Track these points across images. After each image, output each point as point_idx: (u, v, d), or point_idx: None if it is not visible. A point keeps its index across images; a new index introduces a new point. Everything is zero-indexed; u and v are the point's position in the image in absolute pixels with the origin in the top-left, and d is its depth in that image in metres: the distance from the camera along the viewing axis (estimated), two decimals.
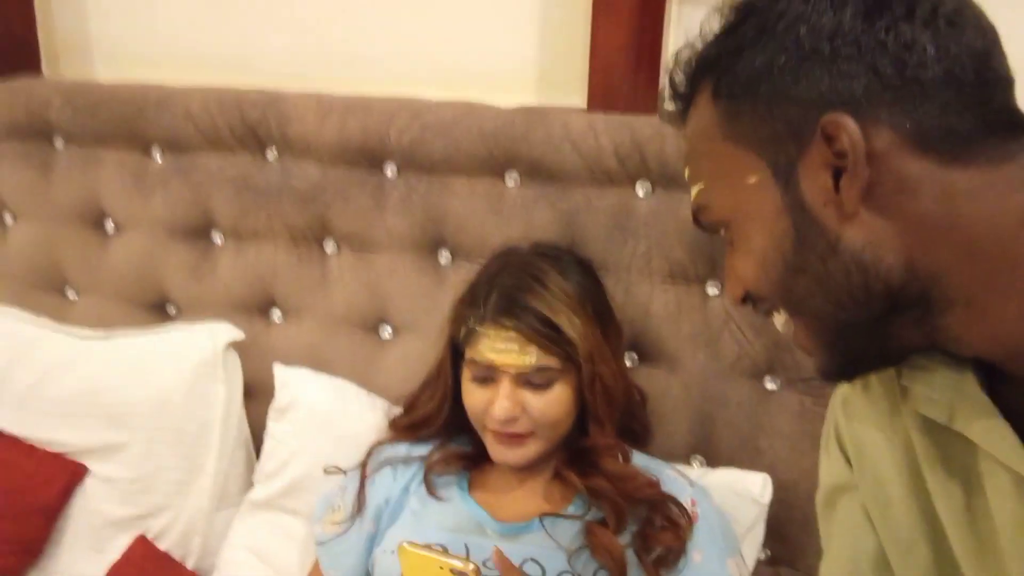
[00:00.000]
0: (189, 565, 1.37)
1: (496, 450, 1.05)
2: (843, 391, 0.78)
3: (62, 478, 1.40)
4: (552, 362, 1.02)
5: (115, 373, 1.43)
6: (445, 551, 0.97)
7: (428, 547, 0.87)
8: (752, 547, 1.23)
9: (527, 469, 1.09)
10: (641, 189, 1.26)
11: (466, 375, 1.07)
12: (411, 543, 0.86)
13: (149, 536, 1.38)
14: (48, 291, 1.63)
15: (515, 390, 1.02)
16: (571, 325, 1.03)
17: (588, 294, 1.09)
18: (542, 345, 1.01)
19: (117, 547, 1.37)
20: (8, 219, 1.64)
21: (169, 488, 1.39)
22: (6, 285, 1.65)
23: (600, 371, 1.05)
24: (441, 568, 0.84)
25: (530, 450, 1.04)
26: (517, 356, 1.01)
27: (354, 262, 1.43)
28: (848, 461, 0.77)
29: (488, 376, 1.03)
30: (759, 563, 1.30)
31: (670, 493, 1.04)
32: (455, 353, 1.10)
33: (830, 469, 0.80)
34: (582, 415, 1.08)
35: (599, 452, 1.05)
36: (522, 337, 1.01)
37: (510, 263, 1.10)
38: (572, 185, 1.28)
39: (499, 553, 0.89)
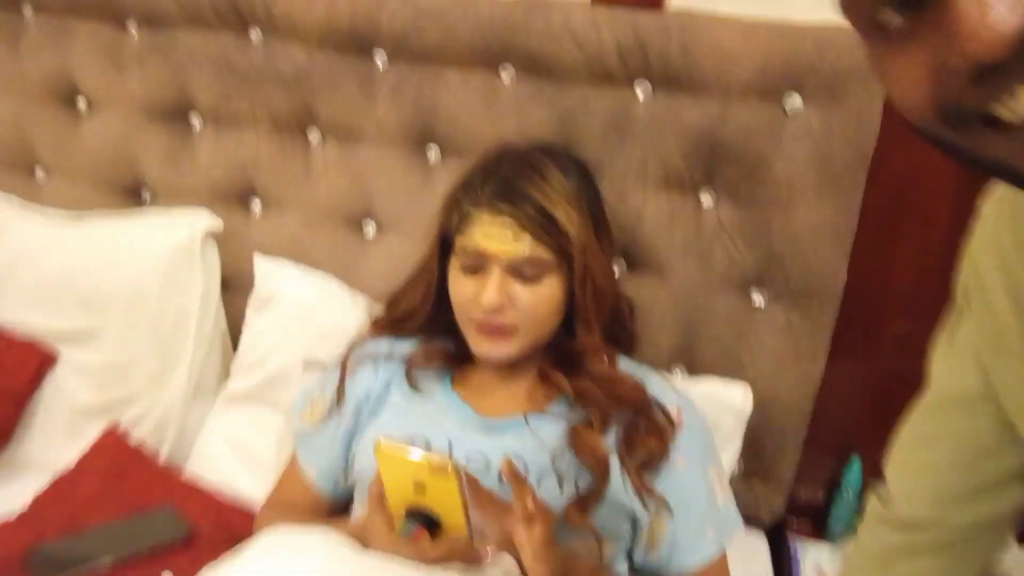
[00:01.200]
0: (163, 455, 1.36)
1: (479, 343, 1.02)
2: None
3: (33, 363, 1.37)
4: (545, 254, 0.99)
5: (89, 257, 1.39)
6: (426, 446, 0.96)
7: (405, 444, 0.84)
8: (729, 458, 1.24)
9: (510, 368, 1.07)
10: (641, 91, 1.21)
11: (454, 265, 1.03)
12: (387, 438, 0.84)
13: (122, 425, 1.36)
14: (17, 170, 1.56)
15: (505, 279, 0.98)
16: (568, 218, 0.99)
17: (585, 194, 1.05)
18: (536, 235, 0.98)
19: (90, 435, 1.35)
20: None
21: (144, 377, 1.37)
22: None
23: (592, 269, 1.02)
24: (418, 465, 0.82)
25: (513, 346, 1.02)
26: (510, 244, 0.97)
27: (339, 154, 1.38)
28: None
29: (478, 264, 0.99)
30: (733, 476, 1.31)
31: (656, 399, 1.04)
32: (444, 248, 1.07)
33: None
34: (569, 318, 1.05)
35: (586, 354, 1.04)
36: (517, 224, 0.97)
37: (509, 155, 1.06)
38: (570, 82, 1.23)
39: (510, 464, 0.87)
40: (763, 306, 1.24)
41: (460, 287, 1.02)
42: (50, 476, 1.27)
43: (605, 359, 1.05)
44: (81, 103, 1.50)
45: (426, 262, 1.09)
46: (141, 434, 1.36)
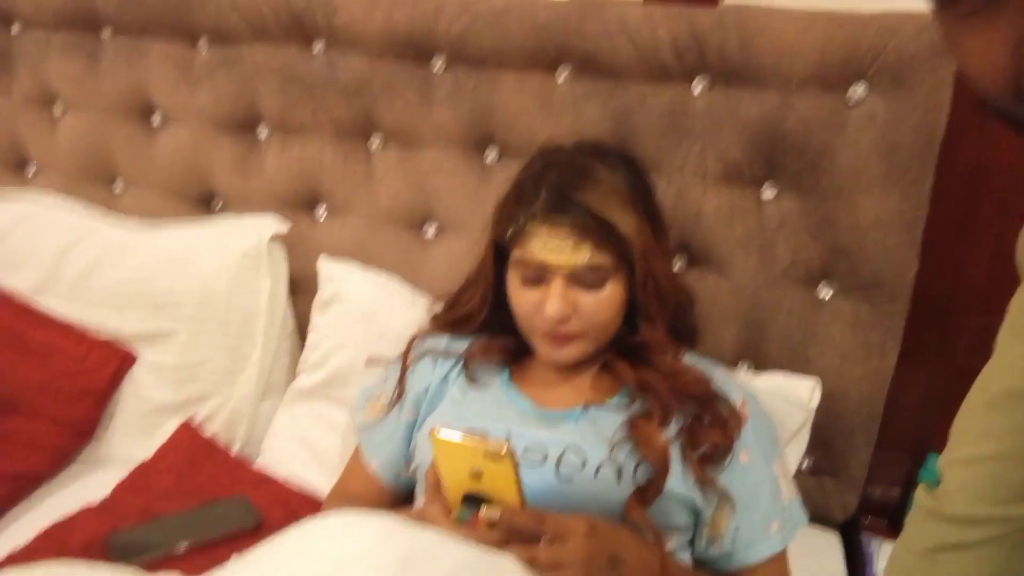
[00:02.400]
0: (234, 451, 1.40)
1: (545, 350, 1.03)
2: None
3: (112, 363, 1.42)
4: (605, 260, 0.98)
5: (162, 263, 1.44)
6: (482, 435, 0.96)
7: (461, 431, 0.84)
8: (795, 454, 1.22)
9: (573, 364, 1.07)
10: (698, 85, 1.20)
11: (513, 277, 1.03)
12: (441, 428, 0.84)
13: (196, 422, 1.41)
14: (97, 183, 1.64)
15: (567, 289, 0.98)
16: (624, 222, 0.99)
17: (637, 191, 1.04)
18: (595, 242, 0.97)
19: (165, 432, 1.40)
20: (58, 110, 1.63)
21: (215, 376, 1.41)
22: (57, 176, 1.67)
23: (653, 269, 1.01)
24: (473, 451, 0.82)
25: (579, 350, 1.02)
26: (570, 254, 0.97)
27: (400, 158, 1.41)
28: None
29: (538, 276, 1.00)
30: (800, 472, 1.28)
31: (720, 392, 1.02)
32: (498, 253, 1.07)
33: None
34: (631, 314, 1.05)
35: (651, 348, 1.03)
36: (575, 234, 0.97)
37: (555, 160, 1.05)
38: (626, 81, 1.24)
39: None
40: (829, 299, 1.21)
41: (522, 298, 1.02)
42: (129, 470, 1.33)
43: (670, 354, 1.04)
44: (155, 118, 1.57)
45: (482, 268, 1.10)
46: (214, 430, 1.40)
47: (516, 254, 1.01)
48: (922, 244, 1.15)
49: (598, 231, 0.97)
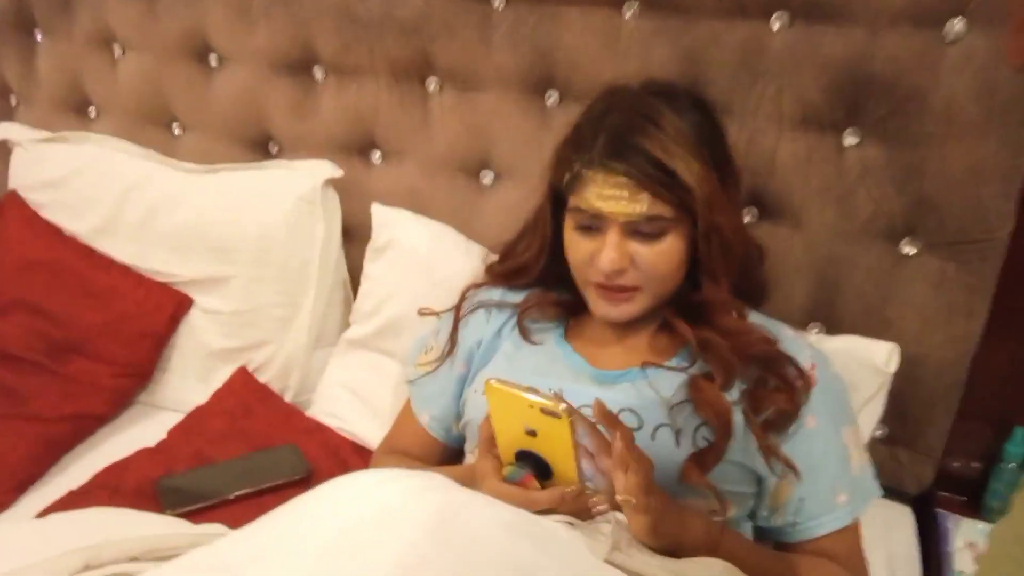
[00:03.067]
0: (287, 399, 1.40)
1: (599, 305, 0.97)
2: None
3: (169, 306, 1.43)
4: (665, 210, 0.91)
5: (219, 208, 1.44)
6: (535, 390, 0.92)
7: (517, 384, 0.81)
8: (869, 421, 1.15)
9: (630, 322, 1.02)
10: (777, 21, 1.11)
11: (569, 224, 0.98)
12: (499, 380, 0.81)
13: (250, 368, 1.41)
14: (155, 125, 1.63)
15: (623, 240, 0.92)
16: (687, 170, 0.91)
17: (706, 136, 0.96)
18: (654, 191, 0.90)
19: (220, 377, 1.41)
20: (117, 51, 1.63)
21: (270, 323, 1.41)
22: (117, 117, 1.67)
23: (718, 222, 0.93)
24: (531, 407, 0.78)
25: (635, 306, 0.96)
26: (627, 203, 0.90)
27: (457, 102, 1.36)
28: None
29: (593, 225, 0.94)
30: (874, 440, 1.21)
31: (788, 354, 0.95)
32: (556, 201, 1.01)
33: None
34: (693, 270, 0.98)
35: (713, 307, 0.96)
36: (633, 183, 0.90)
37: (619, 102, 0.97)
38: (697, 16, 1.15)
39: (599, 404, 0.82)
40: (913, 256, 1.13)
41: (577, 248, 0.96)
42: (184, 414, 1.34)
43: (733, 313, 0.97)
44: (212, 59, 1.54)
45: (538, 216, 1.05)
46: (267, 378, 1.40)
47: (572, 201, 0.95)
48: (1020, 197, 1.05)
49: (658, 179, 0.90)
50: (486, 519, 0.68)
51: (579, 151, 0.94)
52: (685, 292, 0.99)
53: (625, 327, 1.02)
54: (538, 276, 1.07)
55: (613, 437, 0.79)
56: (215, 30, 1.51)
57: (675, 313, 0.99)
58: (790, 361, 0.95)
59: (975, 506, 1.29)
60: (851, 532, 0.97)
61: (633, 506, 0.78)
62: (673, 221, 0.92)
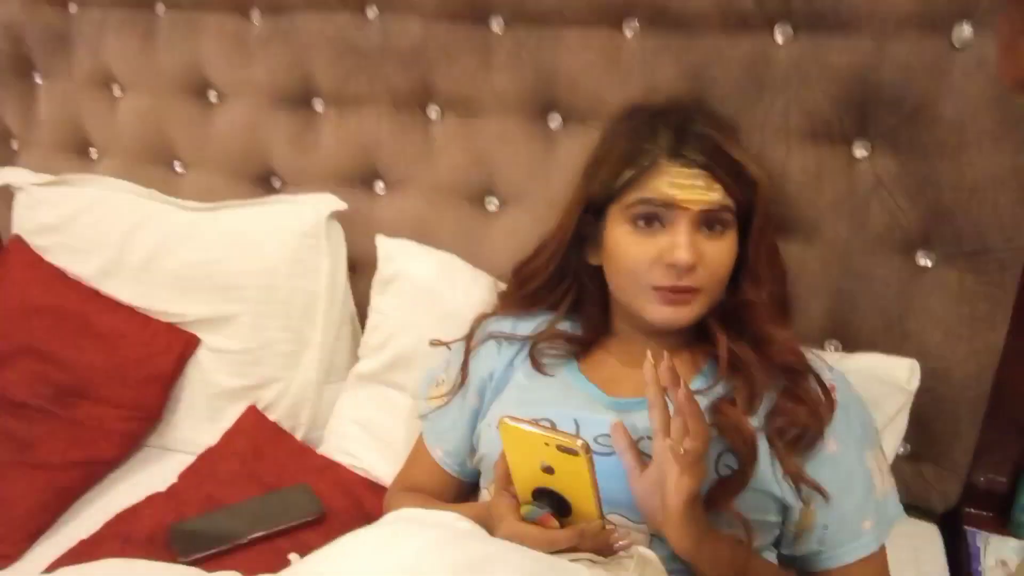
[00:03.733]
0: (298, 436, 1.38)
1: (658, 311, 0.91)
2: None
3: (176, 348, 1.41)
4: (731, 204, 0.90)
5: (224, 245, 1.42)
6: (552, 427, 0.90)
7: (532, 422, 0.79)
8: (892, 439, 1.12)
9: (654, 343, 0.98)
10: (781, 34, 1.10)
11: (619, 227, 0.93)
12: (512, 417, 0.79)
13: (260, 407, 1.39)
14: (157, 164, 1.62)
15: (693, 235, 0.89)
16: (752, 164, 0.91)
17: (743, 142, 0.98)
18: (726, 184, 0.89)
19: (230, 416, 1.39)
20: (117, 91, 1.62)
21: (278, 360, 1.39)
22: (119, 158, 1.66)
23: (771, 222, 0.94)
24: (547, 444, 0.76)
25: (694, 309, 0.92)
26: (703, 192, 0.88)
27: (459, 128, 1.34)
28: None
29: (659, 217, 0.90)
30: (898, 458, 1.19)
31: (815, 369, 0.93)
32: (584, 211, 0.97)
33: None
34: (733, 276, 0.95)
35: (753, 309, 0.93)
36: (707, 173, 0.88)
37: (660, 108, 0.96)
38: (700, 32, 1.14)
39: (619, 427, 0.80)
40: (930, 268, 1.10)
41: (635, 248, 0.91)
42: (195, 455, 1.32)
43: (767, 318, 0.94)
44: (212, 95, 1.54)
45: (562, 224, 1.00)
46: (277, 416, 1.38)
47: (632, 196, 0.91)
48: None
49: (729, 171, 0.89)
50: (511, 570, 0.66)
51: (641, 148, 0.91)
52: (722, 299, 0.95)
53: (644, 352, 0.99)
54: (547, 284, 1.04)
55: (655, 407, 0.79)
56: (213, 65, 1.51)
57: (715, 319, 0.95)
58: (816, 377, 0.93)
59: (1003, 521, 1.25)
60: (879, 559, 0.94)
61: (688, 463, 0.77)
62: (733, 219, 0.91)
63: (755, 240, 0.93)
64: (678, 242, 0.88)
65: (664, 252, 0.89)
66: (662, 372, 0.78)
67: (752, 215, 0.93)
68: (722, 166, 0.89)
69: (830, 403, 0.92)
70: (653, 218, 0.90)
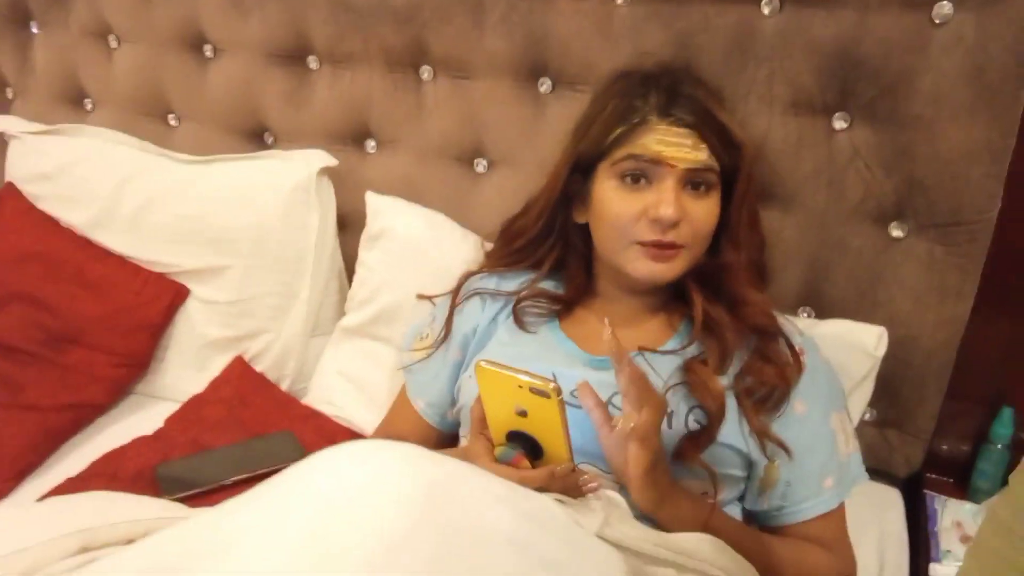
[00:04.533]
0: (283, 387, 1.41)
1: (643, 265, 0.94)
2: None
3: (166, 297, 1.43)
4: (716, 165, 0.93)
5: (215, 199, 1.44)
6: (525, 371, 0.92)
7: (507, 365, 0.81)
8: (859, 404, 1.16)
9: (625, 308, 1.02)
10: (767, 6, 1.12)
11: (607, 182, 0.95)
12: (488, 360, 0.81)
13: (247, 358, 1.41)
14: (151, 116, 1.63)
15: (678, 192, 0.92)
16: (738, 127, 0.95)
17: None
18: (712, 145, 0.92)
19: (217, 366, 1.41)
20: (113, 43, 1.63)
21: (266, 312, 1.42)
22: (113, 109, 1.67)
23: (752, 187, 0.97)
24: (520, 387, 0.79)
25: (678, 266, 0.94)
26: (690, 151, 0.91)
27: (450, 89, 1.36)
28: None
29: (646, 174, 0.92)
30: (864, 422, 1.22)
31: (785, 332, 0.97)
32: (571, 175, 1.00)
33: None
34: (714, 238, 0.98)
35: (731, 271, 0.96)
36: (696, 134, 0.91)
37: (647, 72, 0.99)
38: (689, 1, 1.15)
39: (585, 386, 0.83)
40: (903, 239, 1.13)
41: (621, 203, 0.94)
42: (181, 403, 1.35)
43: (744, 280, 0.97)
44: (207, 50, 1.55)
45: (550, 182, 1.03)
46: (264, 367, 1.41)
47: (620, 153, 0.93)
48: (1008, 177, 1.06)
49: (716, 132, 0.93)
50: (477, 492, 0.69)
51: (632, 106, 0.94)
52: (702, 260, 0.98)
53: (623, 312, 1.02)
54: (534, 241, 1.07)
55: (622, 372, 0.80)
56: (209, 20, 1.52)
57: (692, 280, 0.98)
58: (786, 339, 0.96)
59: (963, 487, 1.30)
60: (837, 516, 0.98)
61: (640, 437, 0.79)
62: (717, 179, 0.95)
63: (737, 203, 0.96)
64: (664, 198, 0.90)
65: (650, 207, 0.92)
66: (606, 348, 0.81)
67: (736, 179, 0.96)
68: (710, 127, 0.92)
69: (798, 365, 0.96)
70: (640, 175, 0.93)
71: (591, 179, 0.98)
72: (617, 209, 0.94)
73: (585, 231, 1.02)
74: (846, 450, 0.98)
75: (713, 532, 0.84)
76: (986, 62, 1.01)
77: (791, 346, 0.96)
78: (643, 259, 0.94)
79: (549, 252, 1.07)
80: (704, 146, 0.92)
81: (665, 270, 0.94)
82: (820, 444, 0.96)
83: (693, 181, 0.93)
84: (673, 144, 0.91)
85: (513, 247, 1.10)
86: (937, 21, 1.03)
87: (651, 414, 0.80)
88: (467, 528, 0.65)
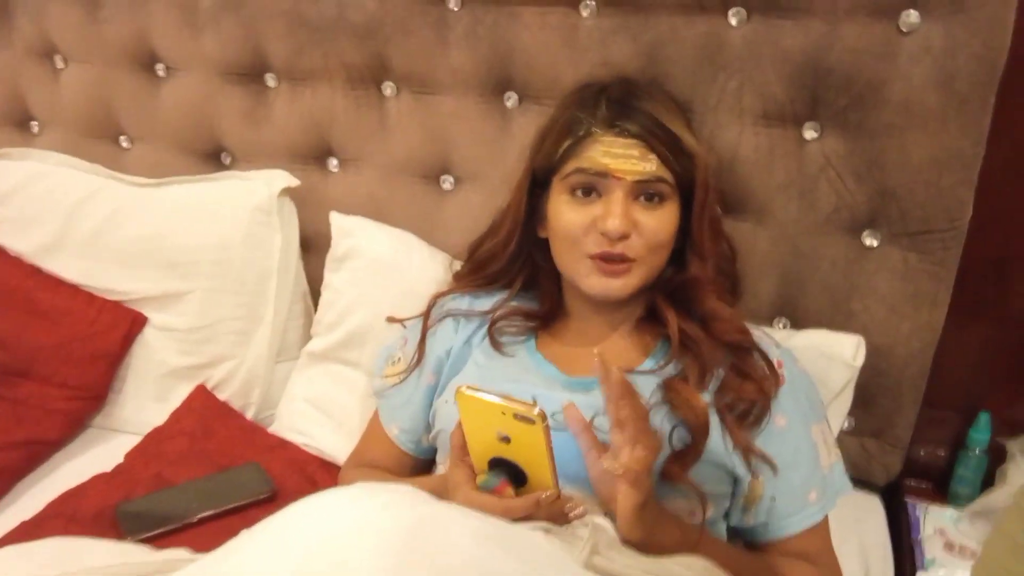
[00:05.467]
0: (249, 416, 1.36)
1: (595, 281, 0.93)
2: None
3: (123, 325, 1.38)
4: (668, 176, 0.91)
5: (172, 221, 1.39)
6: (509, 396, 0.90)
7: (489, 390, 0.78)
8: (838, 414, 1.15)
9: (601, 325, 1.00)
10: (735, 17, 1.11)
11: (559, 196, 0.94)
12: (470, 386, 0.79)
13: (209, 386, 1.36)
14: (102, 138, 1.58)
15: (627, 204, 0.90)
16: (691, 136, 0.93)
17: (685, 117, 0.99)
18: (662, 154, 0.91)
19: (178, 396, 1.36)
20: (59, 62, 1.57)
21: (229, 338, 1.37)
22: (61, 132, 1.61)
23: (712, 195, 0.95)
24: (503, 413, 0.76)
25: (631, 280, 0.93)
26: (637, 162, 0.90)
27: (414, 105, 1.33)
28: None
29: (595, 187, 0.92)
30: (843, 432, 1.22)
31: (760, 346, 0.95)
32: (532, 189, 0.99)
33: None
34: (678, 251, 0.97)
35: (698, 285, 0.95)
36: (642, 144, 0.90)
37: (603, 84, 0.98)
38: (656, 13, 1.14)
39: (571, 408, 0.81)
40: (876, 248, 1.13)
41: (571, 216, 0.93)
42: (142, 436, 1.29)
43: (713, 295, 0.96)
44: (159, 68, 1.50)
45: (513, 202, 1.02)
46: (228, 395, 1.36)
47: (571, 165, 0.92)
48: (978, 185, 1.06)
49: (665, 142, 0.91)
50: (458, 531, 0.65)
51: (581, 118, 0.93)
52: (668, 276, 0.98)
53: (596, 333, 1.00)
54: (505, 266, 1.05)
55: (624, 411, 0.77)
56: (161, 38, 1.47)
57: (663, 298, 0.97)
58: (762, 354, 0.95)
59: (942, 493, 1.30)
60: (822, 529, 0.97)
61: (632, 480, 0.76)
62: (672, 190, 0.93)
63: (697, 214, 0.95)
64: (611, 210, 0.90)
65: (598, 219, 0.91)
66: (613, 386, 0.78)
67: (693, 189, 0.95)
68: (658, 137, 0.91)
69: (776, 377, 0.94)
70: (590, 188, 0.92)
71: (547, 194, 0.97)
72: (566, 221, 0.93)
73: (548, 247, 1.00)
74: (828, 461, 0.97)
75: (702, 556, 0.81)
76: (954, 70, 1.01)
77: (767, 359, 0.95)
78: (595, 274, 0.93)
79: (520, 271, 1.05)
80: (653, 156, 0.91)
81: (619, 286, 0.93)
82: (802, 457, 0.95)
83: (645, 192, 0.92)
84: (620, 156, 0.90)
85: (486, 272, 1.08)
86: (904, 30, 1.03)
87: (645, 455, 0.77)
88: (451, 568, 0.62)
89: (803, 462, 0.95)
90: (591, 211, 0.92)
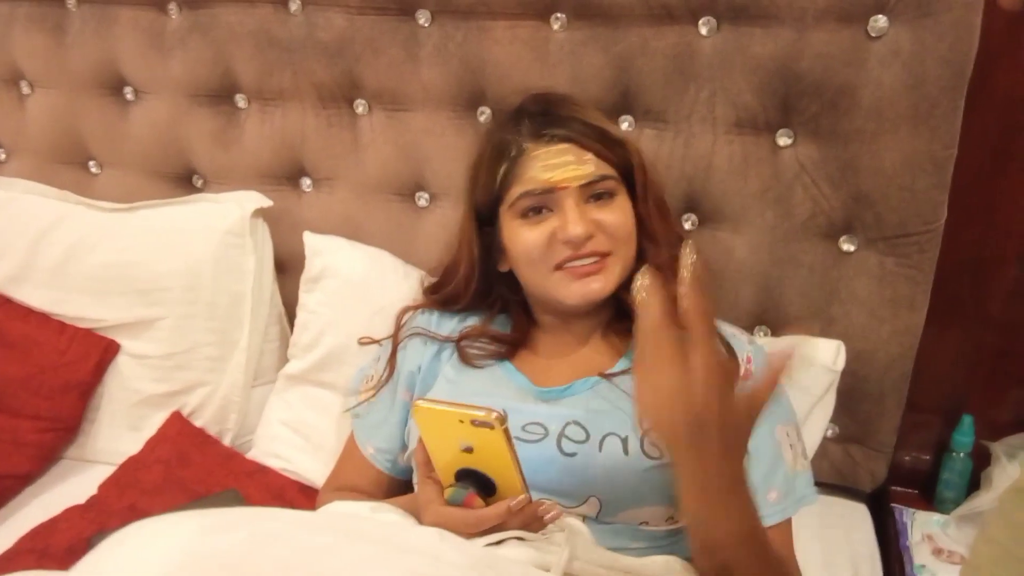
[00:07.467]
0: (225, 442, 1.33)
1: (571, 289, 0.92)
2: None
3: (95, 354, 1.35)
4: (610, 171, 0.92)
5: (143, 246, 1.37)
6: (463, 404, 0.87)
7: (445, 401, 0.77)
8: (821, 420, 1.15)
9: (569, 339, 0.99)
10: (705, 26, 1.11)
11: (510, 222, 0.94)
12: (425, 399, 0.77)
13: (185, 413, 1.33)
14: (70, 164, 1.55)
15: (581, 207, 0.90)
16: (614, 126, 0.96)
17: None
18: (596, 151, 0.92)
19: (153, 425, 1.33)
20: (25, 88, 1.54)
21: (204, 364, 1.34)
22: (29, 159, 1.58)
23: (652, 178, 0.97)
24: (461, 421, 0.74)
25: (608, 277, 0.92)
26: (576, 167, 0.90)
27: (387, 123, 1.32)
28: None
29: (544, 205, 0.91)
30: (827, 439, 1.21)
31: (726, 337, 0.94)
32: (479, 226, 0.99)
33: None
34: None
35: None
36: (575, 147, 0.91)
37: (527, 100, 1.00)
38: (626, 24, 1.14)
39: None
40: (853, 252, 1.13)
41: (528, 236, 0.92)
42: (117, 466, 1.26)
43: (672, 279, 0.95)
44: (128, 92, 1.48)
45: (462, 242, 1.02)
46: (204, 422, 1.33)
47: (514, 192, 0.93)
48: (952, 187, 1.06)
49: (595, 137, 0.92)
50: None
51: (508, 144, 0.94)
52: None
53: (564, 347, 0.99)
54: (472, 301, 1.05)
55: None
56: (128, 62, 1.45)
57: (626, 293, 0.94)
58: (726, 344, 0.94)
59: (928, 498, 1.29)
60: (782, 533, 0.92)
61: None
62: (617, 183, 0.93)
63: (641, 197, 0.96)
64: (568, 218, 0.90)
65: (557, 231, 0.91)
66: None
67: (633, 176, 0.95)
68: (586, 135, 0.92)
69: (736, 365, 0.92)
70: (540, 207, 0.92)
71: (497, 227, 0.97)
72: (526, 243, 0.93)
73: (512, 278, 1.00)
74: (794, 465, 0.95)
75: (759, 540, 0.76)
76: (924, 74, 1.02)
77: (731, 348, 0.94)
78: (572, 282, 0.92)
79: (492, 305, 1.05)
80: (588, 156, 0.91)
81: (599, 287, 0.92)
82: (764, 455, 0.91)
83: (594, 193, 0.92)
84: (558, 166, 0.90)
85: (446, 299, 1.07)
86: (873, 35, 1.04)
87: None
88: None
89: (764, 459, 0.91)
90: (547, 226, 0.92)
